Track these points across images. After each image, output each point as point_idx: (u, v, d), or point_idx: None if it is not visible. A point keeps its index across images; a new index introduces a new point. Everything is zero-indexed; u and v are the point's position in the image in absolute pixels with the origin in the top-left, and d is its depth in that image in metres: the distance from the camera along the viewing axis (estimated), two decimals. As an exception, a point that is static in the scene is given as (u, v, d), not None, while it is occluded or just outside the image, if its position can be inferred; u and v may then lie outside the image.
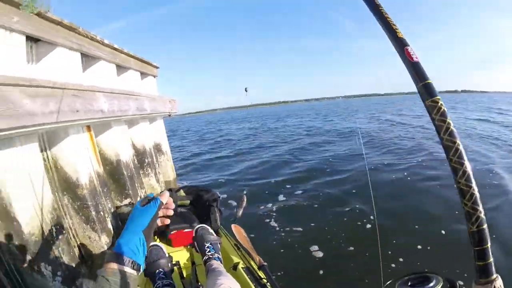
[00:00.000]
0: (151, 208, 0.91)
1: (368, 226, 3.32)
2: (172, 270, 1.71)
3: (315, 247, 2.96)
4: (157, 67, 6.16)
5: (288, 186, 5.37)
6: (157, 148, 5.68)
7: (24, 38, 2.47)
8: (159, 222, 0.98)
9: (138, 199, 4.17)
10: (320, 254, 2.86)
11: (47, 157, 2.86)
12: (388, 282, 1.03)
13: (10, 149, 2.11)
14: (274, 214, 4.09)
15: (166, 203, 0.98)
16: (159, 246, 1.80)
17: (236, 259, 1.94)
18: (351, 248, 2.88)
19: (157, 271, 1.64)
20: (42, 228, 2.27)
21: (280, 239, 3.33)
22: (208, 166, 8.29)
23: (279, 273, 2.55)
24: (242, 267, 1.83)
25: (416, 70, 0.67)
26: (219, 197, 2.37)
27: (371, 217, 3.47)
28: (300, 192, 4.94)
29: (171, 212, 1.00)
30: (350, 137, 11.29)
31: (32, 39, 2.76)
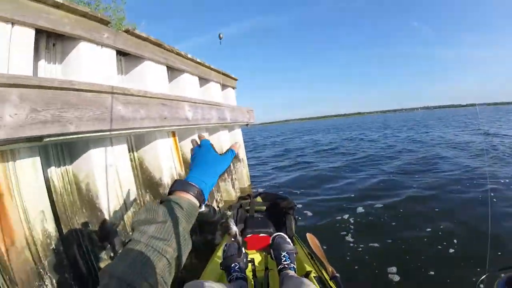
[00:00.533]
0: (228, 160, 0.86)
1: (451, 250, 3.08)
2: (246, 266, 1.79)
3: (393, 269, 2.82)
4: (235, 79, 6.55)
5: (368, 199, 5.10)
6: (236, 155, 5.88)
7: (114, 52, 2.87)
8: None
9: (214, 202, 4.45)
10: (397, 278, 2.72)
11: (134, 157, 3.26)
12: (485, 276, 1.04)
13: (102, 148, 2.46)
14: (351, 227, 3.93)
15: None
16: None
17: (308, 268, 1.94)
18: (432, 273, 2.72)
19: (233, 264, 1.75)
20: (123, 220, 2.59)
21: (355, 255, 3.15)
22: (285, 175, 8.21)
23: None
24: (314, 276, 1.83)
25: None
26: (296, 205, 2.43)
27: (455, 241, 3.23)
28: (380, 205, 4.68)
29: None
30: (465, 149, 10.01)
31: (121, 53, 3.19)
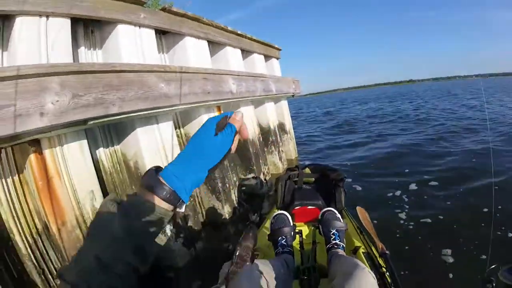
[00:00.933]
0: (228, 141, 0.64)
1: (510, 235, 2.82)
2: (294, 238, 1.78)
3: (448, 251, 2.66)
4: (279, 49, 6.34)
5: (423, 175, 4.69)
6: (281, 128, 5.89)
7: (153, 31, 2.84)
8: None
9: (262, 175, 4.45)
10: (450, 260, 2.56)
11: (181, 133, 3.29)
12: (492, 267, 0.94)
13: (148, 126, 2.50)
14: (405, 204, 3.70)
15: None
16: (285, 214, 1.87)
17: (357, 243, 1.88)
18: (483, 257, 2.52)
19: (280, 237, 1.73)
20: (172, 196, 2.62)
21: (407, 233, 3.02)
22: (333, 148, 7.91)
23: (401, 270, 2.38)
24: (362, 252, 1.77)
25: None
26: (345, 177, 2.33)
27: None
28: (436, 183, 4.27)
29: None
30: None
31: (161, 32, 3.17)
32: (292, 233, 1.77)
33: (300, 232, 1.87)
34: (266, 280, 1.24)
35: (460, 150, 6.07)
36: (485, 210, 3.23)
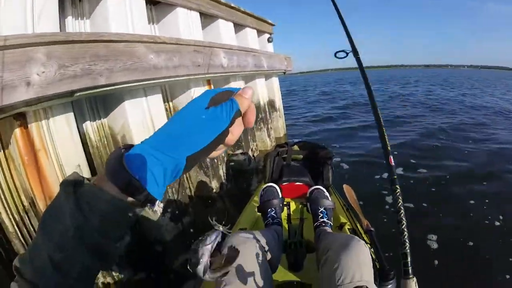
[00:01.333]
0: (221, 120, 0.45)
1: (497, 223, 2.89)
2: (282, 210, 1.82)
3: (433, 236, 2.71)
4: (272, 25, 6.20)
5: (412, 159, 4.80)
6: (271, 105, 5.85)
7: (143, 1, 2.71)
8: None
9: (250, 151, 4.45)
10: (435, 245, 2.62)
11: (169, 107, 3.23)
12: None
13: (135, 99, 2.43)
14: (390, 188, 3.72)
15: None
16: (274, 187, 1.91)
17: (343, 219, 1.92)
18: (470, 243, 2.59)
19: (269, 209, 1.76)
20: (159, 168, 2.60)
21: (393, 217, 3.07)
22: (326, 130, 7.85)
23: (386, 253, 2.40)
24: (348, 228, 1.81)
25: None
26: (334, 155, 2.35)
27: (500, 216, 3.00)
28: (424, 170, 4.32)
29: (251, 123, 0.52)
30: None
31: (151, 3, 3.06)
32: (281, 205, 1.82)
33: (288, 205, 1.91)
34: (262, 247, 1.26)
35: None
36: (472, 202, 3.34)
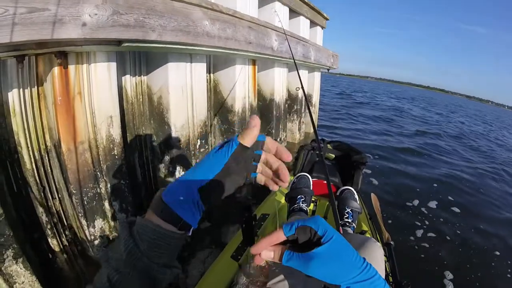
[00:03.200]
0: (222, 156, 0.52)
1: None
2: (309, 204, 1.78)
3: (449, 274, 2.55)
4: (327, 19, 6.01)
5: (447, 194, 4.42)
6: (308, 99, 5.70)
7: None
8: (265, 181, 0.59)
9: (278, 140, 4.35)
10: (450, 285, 2.46)
11: (210, 79, 3.16)
12: None
13: (180, 63, 2.38)
14: (424, 219, 3.45)
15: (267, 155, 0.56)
16: (308, 176, 1.88)
17: (364, 227, 1.87)
18: None
19: (299, 196, 1.73)
20: (189, 138, 2.58)
21: (417, 250, 2.86)
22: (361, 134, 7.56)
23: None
24: (368, 237, 1.77)
25: None
26: (367, 161, 2.26)
27: None
28: (457, 210, 3.95)
29: (283, 171, 0.56)
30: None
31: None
32: (311, 196, 1.79)
33: (316, 202, 1.88)
34: None
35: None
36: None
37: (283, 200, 1.92)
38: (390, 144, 6.82)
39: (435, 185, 4.73)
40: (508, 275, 2.67)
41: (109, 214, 2.01)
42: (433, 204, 3.93)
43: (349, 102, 15.05)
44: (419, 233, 3.10)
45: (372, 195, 2.19)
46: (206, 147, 2.77)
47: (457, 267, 2.63)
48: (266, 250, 0.50)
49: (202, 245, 2.40)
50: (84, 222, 1.89)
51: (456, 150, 7.83)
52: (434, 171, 5.50)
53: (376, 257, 1.12)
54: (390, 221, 2.33)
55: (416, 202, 3.89)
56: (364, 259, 0.47)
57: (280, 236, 0.50)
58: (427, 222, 3.37)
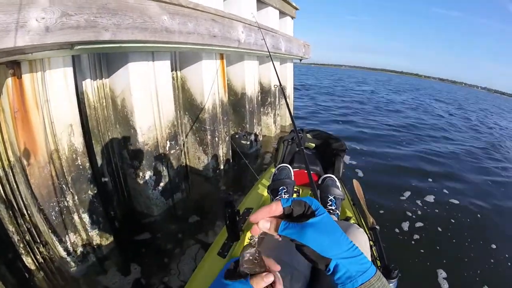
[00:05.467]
0: None
1: None
2: (292, 195, 1.75)
3: (443, 273, 2.48)
4: (296, 8, 5.94)
5: (446, 185, 4.12)
6: (277, 88, 5.61)
7: None
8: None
9: (253, 135, 4.29)
10: (445, 285, 2.41)
11: (176, 76, 3.07)
12: None
13: (142, 62, 2.28)
14: (412, 214, 3.22)
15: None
16: (288, 167, 1.85)
17: (349, 213, 1.88)
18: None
19: (282, 187, 1.71)
20: (157, 140, 2.49)
21: (407, 246, 2.70)
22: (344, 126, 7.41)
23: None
24: (353, 222, 1.72)
25: None
26: (347, 148, 2.26)
27: None
28: (456, 201, 3.67)
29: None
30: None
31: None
32: (293, 186, 1.76)
33: (298, 192, 1.91)
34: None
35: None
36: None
37: (265, 193, 1.91)
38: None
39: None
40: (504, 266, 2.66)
41: (80, 227, 1.92)
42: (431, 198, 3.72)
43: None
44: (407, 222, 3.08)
45: (354, 181, 2.21)
46: (177, 147, 2.69)
47: (449, 255, 2.62)
48: (263, 221, 0.52)
49: (191, 242, 2.36)
50: (54, 237, 1.80)
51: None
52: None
53: (361, 243, 1.12)
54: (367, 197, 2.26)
55: (413, 196, 3.72)
56: (350, 240, 0.51)
57: (278, 206, 0.53)
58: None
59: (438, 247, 2.66)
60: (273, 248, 1.07)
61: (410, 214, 3.13)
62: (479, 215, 3.31)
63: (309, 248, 0.49)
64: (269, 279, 0.51)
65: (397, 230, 2.83)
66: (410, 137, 6.87)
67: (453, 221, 3.13)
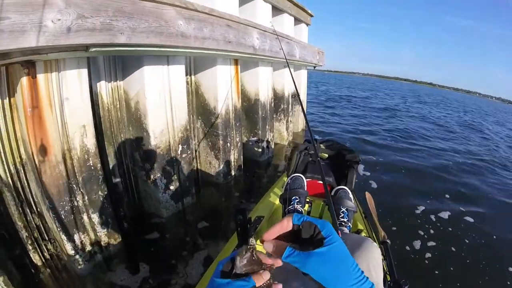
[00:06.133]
0: None
1: None
2: (304, 205, 1.75)
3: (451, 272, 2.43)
4: (311, 15, 5.95)
5: (463, 203, 3.92)
6: (295, 97, 5.62)
7: None
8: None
9: (265, 142, 4.27)
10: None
11: (191, 81, 3.09)
12: None
13: (157, 66, 2.29)
14: (425, 233, 3.05)
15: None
16: (302, 177, 1.85)
17: (360, 226, 1.86)
18: None
19: (294, 197, 1.71)
20: (169, 143, 2.49)
21: (418, 265, 2.58)
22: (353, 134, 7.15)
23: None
24: (364, 235, 1.71)
25: None
26: (361, 160, 2.24)
27: None
28: (471, 219, 3.48)
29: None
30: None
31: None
32: (306, 197, 1.76)
33: (311, 202, 1.88)
34: None
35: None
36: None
37: (277, 202, 1.90)
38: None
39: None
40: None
41: (88, 227, 1.93)
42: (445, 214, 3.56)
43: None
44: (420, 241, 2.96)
45: (367, 193, 2.18)
46: (188, 152, 2.69)
47: (462, 277, 2.48)
48: (267, 243, 0.52)
49: (200, 246, 2.36)
50: (63, 236, 1.81)
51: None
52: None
53: (375, 258, 1.12)
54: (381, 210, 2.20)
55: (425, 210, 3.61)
56: (362, 272, 0.49)
57: (289, 223, 0.53)
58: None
59: (451, 268, 2.54)
60: (284, 271, 1.05)
61: (422, 233, 3.00)
62: (494, 236, 3.16)
63: (312, 278, 0.48)
64: (267, 276, 0.51)
65: (408, 248, 2.72)
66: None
67: (467, 241, 2.99)
